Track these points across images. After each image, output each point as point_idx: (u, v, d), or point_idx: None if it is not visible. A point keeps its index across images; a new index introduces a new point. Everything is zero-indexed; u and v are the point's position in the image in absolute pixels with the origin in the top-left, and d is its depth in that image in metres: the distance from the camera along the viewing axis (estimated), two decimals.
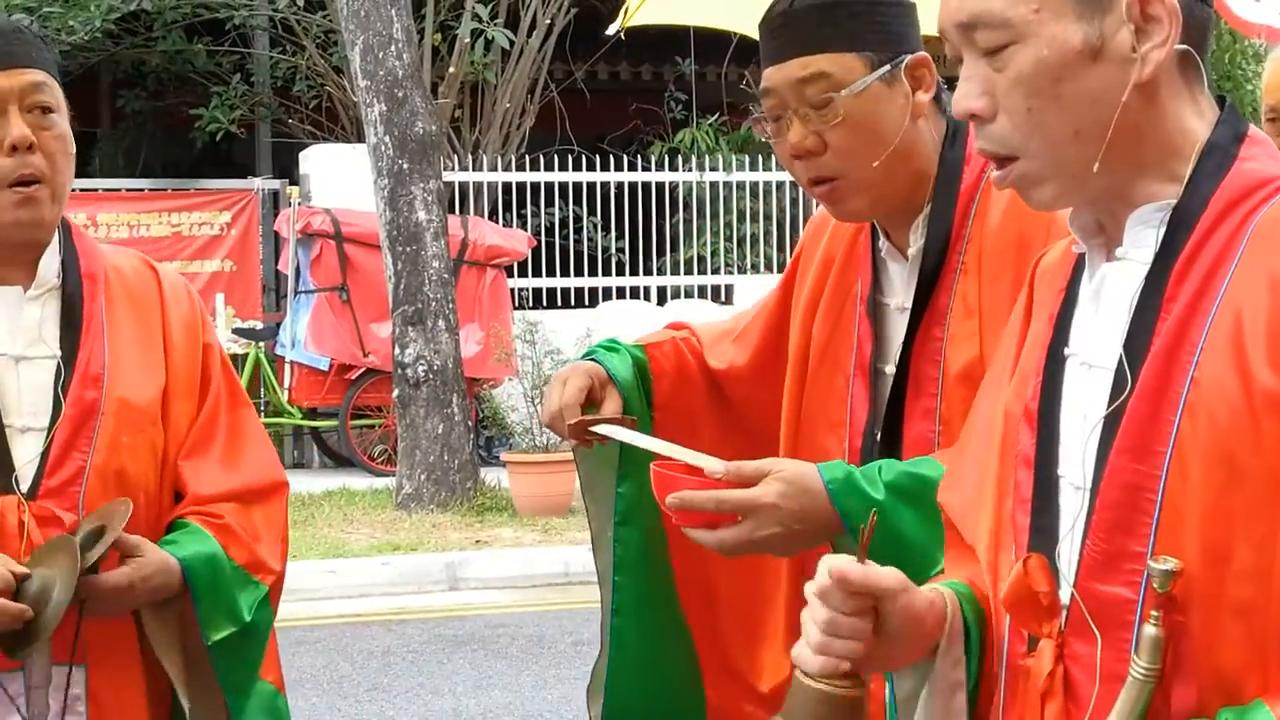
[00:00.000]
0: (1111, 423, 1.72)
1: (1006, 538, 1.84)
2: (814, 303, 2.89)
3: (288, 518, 2.96)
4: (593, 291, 15.95)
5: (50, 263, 2.76)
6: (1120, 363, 1.72)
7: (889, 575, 1.75)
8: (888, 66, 2.58)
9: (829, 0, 2.59)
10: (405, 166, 12.15)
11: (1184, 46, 1.74)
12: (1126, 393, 1.70)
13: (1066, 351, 1.83)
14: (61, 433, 2.67)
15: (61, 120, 2.72)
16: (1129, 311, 1.74)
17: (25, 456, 2.67)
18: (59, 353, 2.72)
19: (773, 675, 3.03)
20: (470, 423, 12.62)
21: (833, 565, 1.73)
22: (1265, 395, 1.61)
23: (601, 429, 2.75)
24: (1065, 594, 1.74)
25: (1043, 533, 1.78)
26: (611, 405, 2.86)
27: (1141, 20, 1.72)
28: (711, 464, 2.49)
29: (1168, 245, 1.73)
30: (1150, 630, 1.64)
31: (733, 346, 3.09)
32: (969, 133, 2.67)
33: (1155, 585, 1.63)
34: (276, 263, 14.93)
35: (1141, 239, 1.76)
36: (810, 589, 1.77)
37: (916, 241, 2.68)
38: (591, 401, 2.85)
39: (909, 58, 2.60)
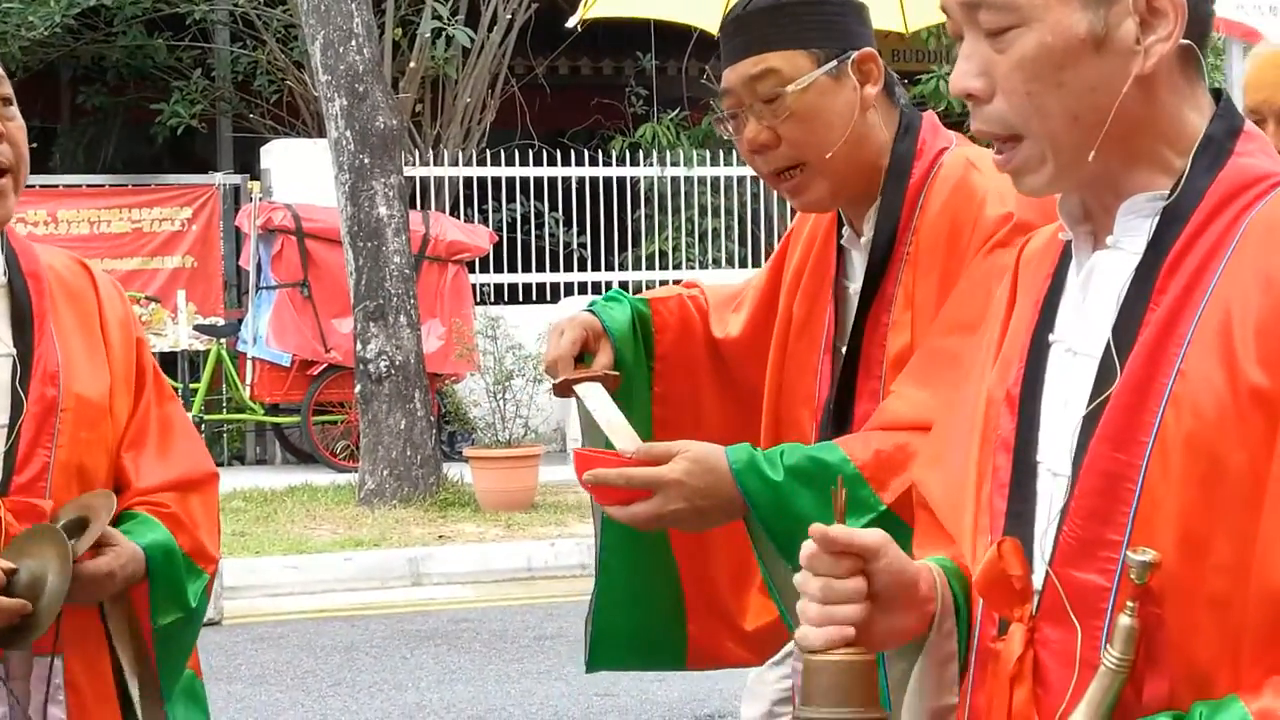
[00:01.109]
0: (1095, 411, 1.72)
1: (985, 522, 1.84)
2: (796, 282, 3.04)
3: (219, 508, 3.01)
4: (554, 287, 15.95)
5: None
6: (1107, 351, 1.73)
7: (871, 533, 1.77)
8: (834, 62, 2.74)
9: (778, 2, 2.75)
10: (366, 161, 12.15)
11: (1186, 41, 1.74)
12: (1111, 381, 1.71)
13: (1051, 338, 1.83)
14: (27, 430, 2.70)
15: (17, 111, 2.74)
16: (1118, 301, 1.75)
17: None
18: (14, 350, 2.74)
19: (758, 616, 3.17)
20: (432, 418, 12.62)
21: (815, 529, 1.75)
22: (1251, 391, 1.62)
23: (579, 389, 2.90)
24: (1039, 580, 1.74)
25: (1019, 517, 1.79)
26: (604, 357, 3.00)
27: (1147, 13, 1.72)
28: (625, 444, 2.67)
29: (1160, 237, 1.73)
30: (1125, 620, 1.64)
31: (731, 316, 3.22)
32: (921, 126, 2.83)
33: (1133, 576, 1.63)
34: (238, 258, 14.90)
35: (1133, 228, 1.77)
36: (804, 567, 1.77)
37: (868, 231, 2.83)
38: (587, 352, 2.99)
39: (855, 53, 2.76)
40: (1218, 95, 1.82)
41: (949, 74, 14.26)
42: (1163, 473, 1.65)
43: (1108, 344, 1.73)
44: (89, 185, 15.11)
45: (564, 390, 2.95)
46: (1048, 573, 1.73)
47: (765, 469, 2.59)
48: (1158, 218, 1.74)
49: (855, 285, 2.87)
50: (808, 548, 1.76)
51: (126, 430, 2.86)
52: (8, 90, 2.71)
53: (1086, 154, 1.75)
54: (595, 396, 2.89)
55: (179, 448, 2.92)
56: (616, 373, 2.98)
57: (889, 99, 2.83)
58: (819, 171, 2.76)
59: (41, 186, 14.57)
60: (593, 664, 3.30)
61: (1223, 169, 1.74)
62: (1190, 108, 1.78)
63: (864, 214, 2.85)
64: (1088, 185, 1.80)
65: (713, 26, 6.72)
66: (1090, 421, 1.72)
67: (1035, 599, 1.74)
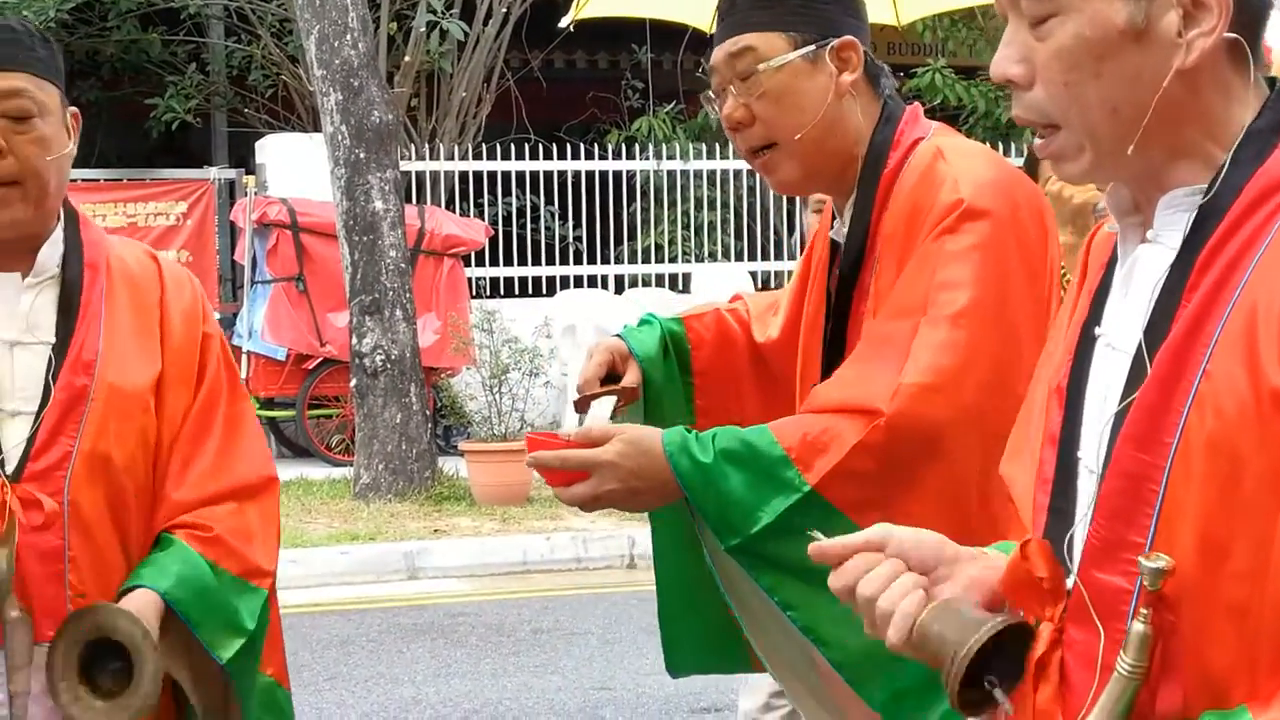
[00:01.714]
0: (1125, 409, 1.70)
1: (1031, 518, 1.84)
2: (807, 276, 3.13)
3: (279, 512, 3.00)
4: (550, 280, 15.95)
5: (51, 252, 2.82)
6: (1139, 348, 1.70)
7: (871, 529, 1.80)
8: (812, 47, 2.81)
9: None
10: (362, 156, 12.14)
11: (1233, 35, 1.70)
12: (1140, 380, 1.68)
13: (1097, 331, 1.81)
14: (49, 418, 2.72)
15: (44, 124, 2.75)
16: (1152, 296, 1.72)
17: (13, 440, 2.72)
18: (54, 340, 2.77)
19: None
20: (428, 412, 12.62)
21: (813, 549, 1.78)
22: (1273, 394, 1.58)
23: (594, 404, 3.04)
24: (1073, 580, 1.72)
25: (1060, 514, 1.77)
26: (630, 378, 3.10)
27: (1191, 6, 1.69)
28: (567, 428, 2.74)
29: (1196, 232, 1.70)
30: (1139, 627, 1.62)
31: (771, 319, 3.29)
32: (901, 117, 2.87)
33: (1145, 582, 1.60)
34: (233, 253, 14.89)
35: (1172, 223, 1.74)
36: (837, 594, 1.80)
37: (847, 223, 2.89)
38: (615, 373, 3.11)
39: (836, 41, 2.82)
40: (1272, 84, 1.77)
41: (943, 67, 14.17)
42: (1185, 475, 1.62)
43: (1140, 341, 1.71)
44: (84, 180, 15.08)
45: (582, 406, 3.09)
46: (1075, 575, 1.71)
47: (696, 451, 2.63)
48: (1195, 212, 1.71)
49: None
50: (831, 577, 1.78)
51: (181, 427, 2.85)
52: (23, 104, 2.73)
53: (1126, 146, 1.72)
54: (601, 406, 3.01)
55: (241, 449, 2.91)
56: (633, 387, 3.05)
57: (871, 89, 2.88)
58: (789, 152, 2.83)
59: None
60: (672, 669, 3.29)
61: (1265, 163, 1.69)
62: (1238, 102, 1.73)
63: (845, 205, 2.90)
64: (1131, 177, 1.78)
65: (704, 24, 6.73)
66: (1120, 420, 1.70)
67: (1066, 598, 1.73)
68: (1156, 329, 1.69)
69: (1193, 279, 1.67)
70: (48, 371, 2.74)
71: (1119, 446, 1.68)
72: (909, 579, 1.76)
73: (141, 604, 2.70)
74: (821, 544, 1.78)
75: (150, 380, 2.82)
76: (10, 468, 2.70)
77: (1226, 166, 1.70)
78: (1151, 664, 1.62)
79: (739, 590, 2.75)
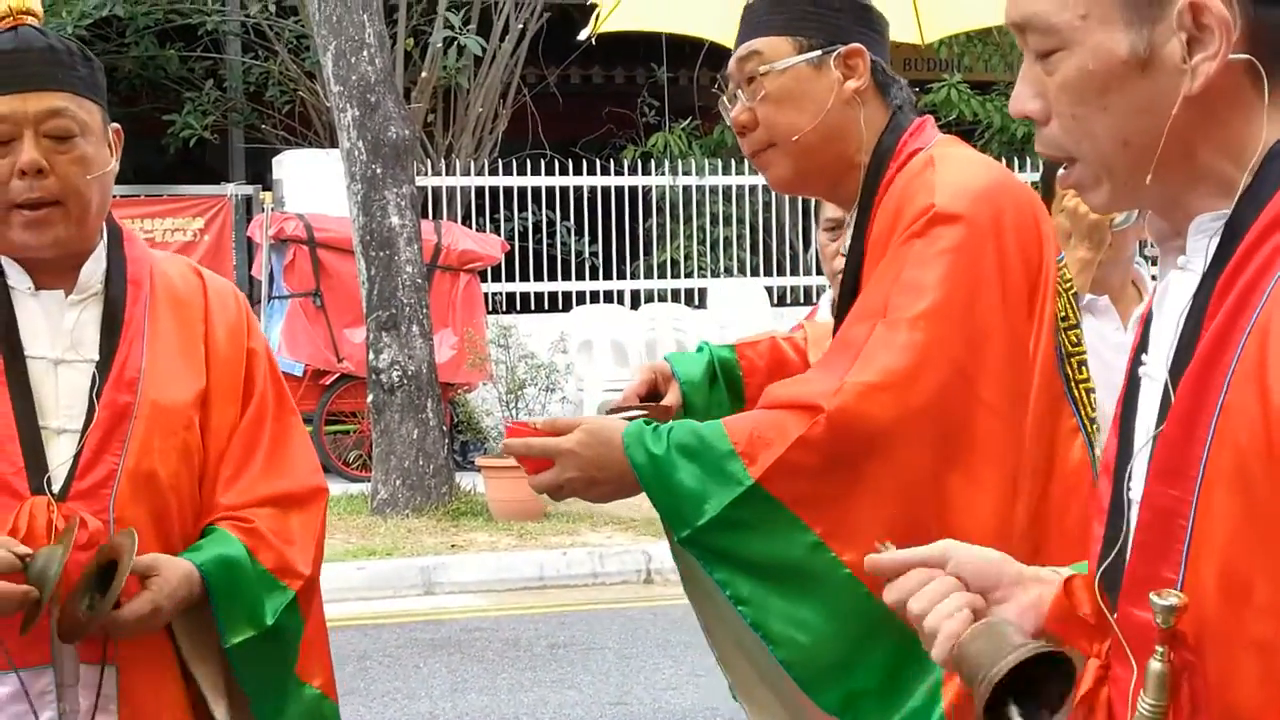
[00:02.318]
0: (1155, 442, 1.67)
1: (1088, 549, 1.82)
2: None
3: (324, 524, 2.99)
4: (566, 296, 15.97)
5: (94, 269, 2.81)
6: (1168, 380, 1.67)
7: (928, 546, 1.80)
8: (817, 52, 2.84)
9: None
10: (378, 171, 12.16)
11: (1245, 56, 1.64)
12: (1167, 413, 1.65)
13: (1143, 358, 1.78)
14: (94, 436, 2.71)
15: (85, 142, 2.76)
16: (1179, 324, 1.68)
17: (59, 458, 2.71)
18: (97, 357, 2.77)
19: None
20: (445, 428, 12.63)
21: (869, 561, 1.79)
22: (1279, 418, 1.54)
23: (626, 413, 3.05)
24: None
25: (1114, 544, 1.73)
26: (671, 399, 3.12)
27: (1194, 29, 1.64)
28: (536, 418, 2.77)
29: (1219, 257, 1.65)
30: (1155, 666, 1.60)
31: (828, 342, 3.27)
32: (907, 127, 2.88)
33: (1158, 620, 1.58)
34: (250, 268, 14.91)
35: (1199, 248, 1.69)
36: (896, 607, 1.81)
37: (849, 236, 2.92)
38: (655, 394, 3.14)
39: (843, 48, 2.85)
40: None
41: (959, 83, 14.17)
42: (1209, 510, 1.58)
43: (1167, 373, 1.67)
44: None
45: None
46: (1114, 611, 1.70)
47: (650, 443, 2.67)
48: (1217, 237, 1.66)
49: None
50: (886, 590, 1.79)
51: (229, 443, 2.85)
52: (65, 123, 2.75)
53: (1143, 177, 1.68)
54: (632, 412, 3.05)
55: (291, 461, 2.91)
56: (667, 405, 3.08)
57: (881, 98, 2.89)
58: (785, 152, 2.87)
59: None
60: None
61: None
62: (1259, 123, 1.67)
63: (850, 217, 2.94)
64: (1155, 205, 1.75)
65: (723, 39, 6.74)
66: (1152, 453, 1.67)
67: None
68: (1181, 358, 1.66)
69: (1211, 306, 1.63)
70: (91, 389, 2.74)
71: (1149, 481, 1.66)
72: (958, 599, 1.76)
73: (175, 565, 2.70)
74: (877, 558, 1.78)
75: (194, 396, 2.81)
76: (57, 486, 2.69)
77: (1247, 189, 1.66)
78: (1177, 703, 1.60)
79: (701, 583, 2.75)
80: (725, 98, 2.97)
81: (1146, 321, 1.80)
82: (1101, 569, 1.74)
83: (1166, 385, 1.67)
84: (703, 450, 2.64)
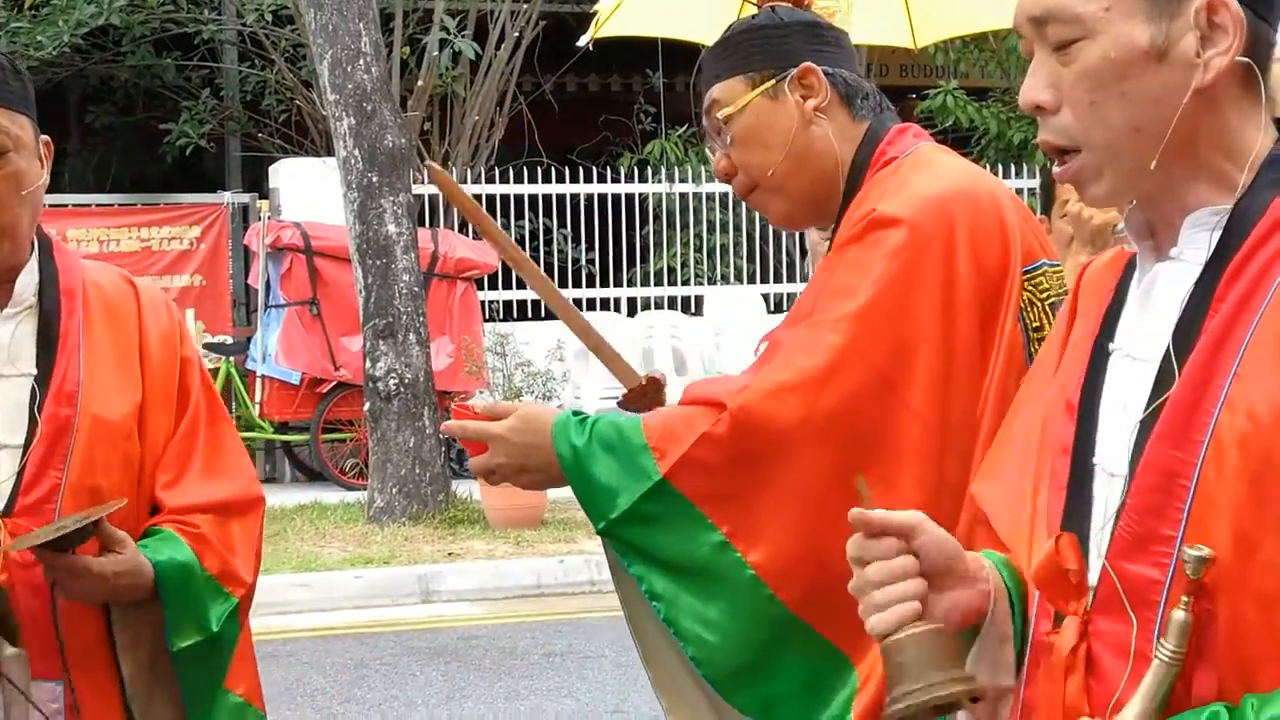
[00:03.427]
0: (1153, 412, 1.79)
1: (1041, 526, 1.91)
2: None
3: (262, 532, 2.99)
4: None
5: (27, 281, 2.79)
6: (1166, 356, 1.80)
7: (906, 513, 1.84)
8: (770, 83, 2.82)
9: (724, 37, 2.89)
10: (375, 180, 12.16)
11: (1245, 59, 1.81)
12: (1170, 384, 1.78)
13: (1111, 346, 1.91)
14: (36, 451, 2.70)
15: (18, 158, 2.73)
16: (1179, 308, 1.81)
17: (1, 475, 2.70)
18: (35, 371, 2.75)
19: None
20: (442, 436, 12.62)
21: (854, 514, 1.82)
22: None
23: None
24: (1094, 576, 1.81)
25: (1075, 516, 1.86)
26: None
27: (1207, 27, 1.79)
28: (477, 400, 2.81)
29: (1222, 248, 1.80)
30: (1179, 615, 1.70)
31: None
32: (884, 136, 2.85)
33: (1188, 571, 1.69)
34: (246, 277, 14.91)
35: (1196, 240, 1.83)
36: (850, 562, 1.84)
37: (826, 242, 2.90)
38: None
39: (794, 70, 2.82)
40: (1278, 124, 1.88)
41: (955, 89, 14.19)
42: (1217, 471, 1.72)
43: (1168, 348, 1.80)
44: (98, 204, 15.13)
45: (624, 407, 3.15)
46: (1104, 567, 1.79)
47: (573, 433, 2.69)
48: (1219, 230, 1.81)
49: None
50: (853, 542, 1.83)
51: (165, 451, 2.84)
52: None
53: (1148, 164, 1.81)
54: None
55: (226, 470, 2.90)
56: (655, 376, 3.11)
57: (847, 110, 2.86)
58: (769, 190, 2.86)
59: (50, 206, 14.57)
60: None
61: None
62: (1252, 126, 1.84)
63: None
64: (1150, 198, 1.87)
65: None
66: (1148, 423, 1.79)
67: (1090, 594, 1.81)
68: (1184, 337, 1.79)
69: (1220, 290, 1.78)
70: (31, 403, 2.72)
71: (1152, 444, 1.77)
72: (914, 586, 1.81)
73: (136, 553, 2.70)
74: (863, 512, 1.82)
75: (133, 408, 2.80)
76: (1, 502, 2.68)
77: (1250, 188, 1.81)
78: (1189, 651, 1.71)
79: (624, 576, 2.76)
80: (708, 147, 2.96)
81: (1108, 313, 1.93)
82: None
83: (1168, 359, 1.79)
84: (619, 444, 2.66)
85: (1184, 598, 1.70)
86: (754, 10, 2.95)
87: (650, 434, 2.66)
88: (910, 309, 2.63)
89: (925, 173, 2.76)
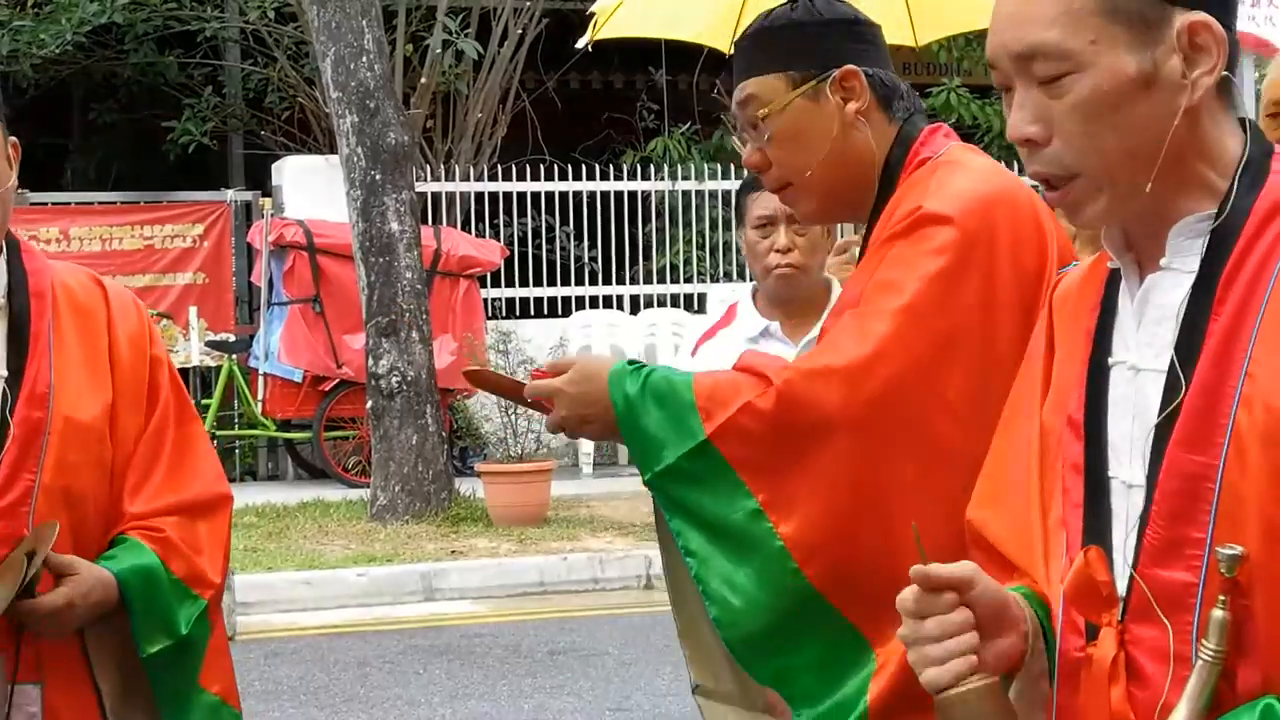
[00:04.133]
0: (1166, 420, 1.82)
1: (1055, 546, 1.93)
2: None
3: (230, 530, 2.98)
4: (566, 301, 15.96)
5: None
6: (1173, 364, 1.82)
7: (962, 565, 1.86)
8: (811, 84, 2.82)
9: (762, 28, 2.87)
10: (378, 177, 12.16)
11: (1226, 73, 1.85)
12: (1183, 390, 1.80)
13: (1110, 361, 1.92)
14: (10, 453, 2.69)
15: None
16: (1178, 317, 1.84)
17: None
18: (5, 373, 2.74)
19: None
20: (444, 433, 12.62)
21: (915, 571, 1.84)
22: None
23: None
24: (1122, 585, 1.83)
25: (1095, 532, 1.88)
26: None
27: (1190, 49, 1.82)
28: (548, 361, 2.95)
29: (1214, 253, 1.83)
30: (1218, 614, 1.73)
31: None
32: (916, 137, 2.86)
33: (1222, 570, 1.72)
34: (249, 275, 14.91)
35: (1184, 249, 1.86)
36: (905, 614, 1.85)
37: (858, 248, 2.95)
38: None
39: (836, 72, 2.82)
40: (1242, 123, 1.92)
41: (959, 86, 14.19)
42: (1241, 470, 1.75)
43: (1173, 356, 1.83)
44: (101, 202, 15.13)
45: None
46: (1132, 576, 1.82)
47: (628, 383, 2.74)
48: (1207, 237, 1.85)
49: None
50: (909, 595, 1.84)
51: (135, 450, 2.83)
52: None
53: (1144, 185, 1.84)
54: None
55: (194, 469, 2.89)
56: None
57: (884, 113, 2.87)
58: (803, 189, 2.87)
59: (53, 204, 14.60)
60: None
61: (1264, 187, 1.85)
62: (1229, 133, 1.89)
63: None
64: (1141, 214, 1.88)
65: (722, 45, 6.75)
66: (1163, 431, 1.82)
67: (1121, 603, 1.83)
68: (1188, 343, 1.82)
69: (1220, 293, 1.82)
70: (3, 405, 2.71)
71: (1171, 452, 1.80)
72: (969, 640, 1.82)
73: (92, 569, 2.70)
74: (924, 568, 1.83)
75: (104, 409, 2.79)
76: None
77: (1234, 192, 1.85)
78: (1229, 648, 1.74)
79: (663, 527, 2.82)
80: (737, 137, 2.98)
81: (1099, 329, 1.95)
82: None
83: (1175, 367, 1.82)
84: (669, 398, 2.70)
85: (1221, 596, 1.73)
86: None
87: (699, 393, 2.69)
88: (954, 306, 2.66)
89: (964, 173, 2.78)
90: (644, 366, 2.78)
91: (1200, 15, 1.82)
